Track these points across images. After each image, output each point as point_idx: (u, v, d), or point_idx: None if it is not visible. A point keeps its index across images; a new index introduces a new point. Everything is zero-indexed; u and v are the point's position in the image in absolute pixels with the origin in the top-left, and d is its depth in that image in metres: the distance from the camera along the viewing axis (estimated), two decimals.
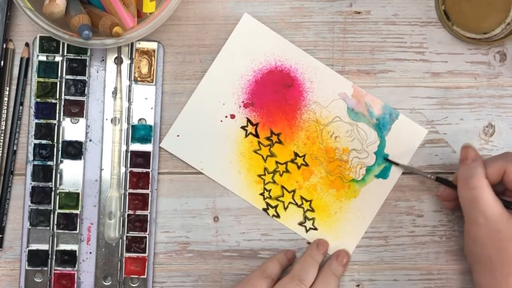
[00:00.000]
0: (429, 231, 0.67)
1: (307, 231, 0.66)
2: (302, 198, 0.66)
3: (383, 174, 0.66)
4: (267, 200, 0.66)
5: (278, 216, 0.66)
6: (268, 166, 0.66)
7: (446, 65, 0.67)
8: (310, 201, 0.66)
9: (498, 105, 0.67)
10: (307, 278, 0.62)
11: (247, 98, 0.66)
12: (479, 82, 0.67)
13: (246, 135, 0.66)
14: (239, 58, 0.66)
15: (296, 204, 0.66)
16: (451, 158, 0.67)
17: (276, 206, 0.66)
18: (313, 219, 0.66)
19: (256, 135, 0.66)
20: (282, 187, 0.66)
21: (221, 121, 0.66)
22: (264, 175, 0.66)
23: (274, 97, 0.66)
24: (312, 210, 0.66)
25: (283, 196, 0.66)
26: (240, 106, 0.66)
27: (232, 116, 0.66)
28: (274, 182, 0.66)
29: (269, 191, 0.66)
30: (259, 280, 0.63)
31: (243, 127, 0.66)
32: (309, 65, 0.66)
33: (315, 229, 0.66)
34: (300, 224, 0.66)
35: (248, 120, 0.66)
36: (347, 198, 0.66)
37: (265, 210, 0.66)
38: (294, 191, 0.66)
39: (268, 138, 0.66)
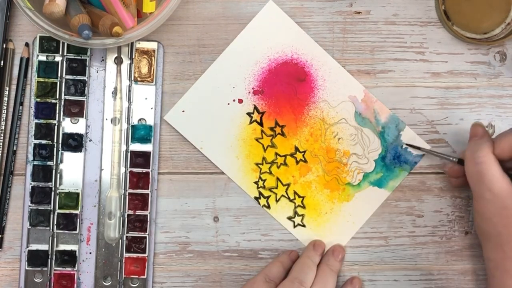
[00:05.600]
0: (429, 231, 0.67)
1: (294, 226, 0.66)
2: (295, 193, 0.66)
3: (379, 183, 0.66)
4: (260, 189, 0.66)
5: (268, 207, 0.66)
6: (267, 156, 0.66)
7: (446, 65, 0.67)
8: (303, 197, 0.66)
9: (498, 105, 0.67)
10: (307, 280, 0.62)
11: (258, 86, 0.66)
12: (479, 82, 0.67)
13: (251, 122, 0.66)
14: (256, 44, 0.66)
15: (288, 198, 0.66)
16: None
17: (268, 197, 0.66)
18: (302, 215, 0.66)
19: (261, 124, 0.66)
20: (278, 179, 0.66)
21: (228, 104, 0.66)
22: (262, 164, 0.66)
23: (285, 89, 0.66)
24: (303, 207, 0.66)
25: (276, 188, 0.66)
26: (249, 92, 0.66)
27: (240, 101, 0.66)
28: (270, 172, 0.66)
29: (264, 181, 0.66)
30: (262, 285, 0.63)
31: (249, 114, 0.66)
32: (324, 62, 0.66)
33: (303, 225, 0.66)
34: (289, 218, 0.66)
35: (255, 108, 0.66)
36: (340, 200, 0.66)
37: (256, 198, 0.66)
38: (288, 185, 0.66)
39: (271, 129, 0.66)
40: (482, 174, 0.58)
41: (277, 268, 0.64)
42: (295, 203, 0.66)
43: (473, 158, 0.59)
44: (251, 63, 0.66)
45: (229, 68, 0.66)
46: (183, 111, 0.65)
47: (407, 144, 0.66)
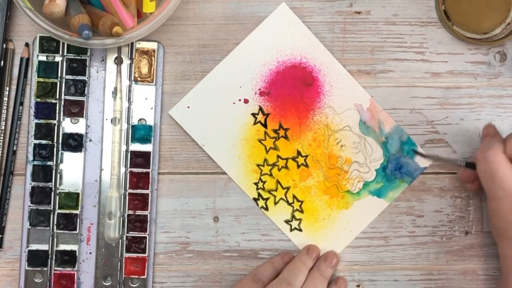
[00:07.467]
0: (430, 231, 0.67)
1: (291, 230, 0.66)
2: (294, 197, 0.66)
3: (379, 193, 0.66)
4: (260, 191, 0.66)
5: (266, 208, 0.66)
6: (268, 158, 0.66)
7: (446, 65, 0.67)
8: (302, 202, 0.66)
9: (498, 105, 0.67)
10: (296, 282, 0.62)
11: (265, 87, 0.66)
12: (479, 82, 0.67)
13: (255, 123, 0.66)
14: (266, 45, 0.66)
15: (287, 201, 0.66)
16: None
17: (267, 199, 0.66)
18: (300, 220, 0.66)
19: (265, 125, 0.66)
20: (278, 181, 0.66)
21: (234, 103, 0.66)
22: (263, 165, 0.66)
23: (291, 92, 0.66)
24: (301, 211, 0.66)
25: (276, 190, 0.66)
26: (255, 93, 0.66)
27: (246, 101, 0.66)
28: (270, 175, 0.66)
29: (264, 182, 0.66)
30: (249, 284, 0.63)
31: (253, 114, 0.66)
32: (333, 69, 0.66)
33: (300, 230, 0.66)
34: (286, 222, 0.66)
35: (260, 109, 0.66)
36: (338, 207, 0.66)
37: (255, 199, 0.66)
38: (288, 188, 0.66)
39: (275, 131, 0.66)
40: (494, 173, 0.58)
41: (267, 268, 0.64)
42: (293, 207, 0.66)
43: (484, 158, 0.59)
44: (259, 64, 0.66)
45: (237, 67, 0.66)
46: (188, 107, 0.66)
47: (413, 151, 0.66)
